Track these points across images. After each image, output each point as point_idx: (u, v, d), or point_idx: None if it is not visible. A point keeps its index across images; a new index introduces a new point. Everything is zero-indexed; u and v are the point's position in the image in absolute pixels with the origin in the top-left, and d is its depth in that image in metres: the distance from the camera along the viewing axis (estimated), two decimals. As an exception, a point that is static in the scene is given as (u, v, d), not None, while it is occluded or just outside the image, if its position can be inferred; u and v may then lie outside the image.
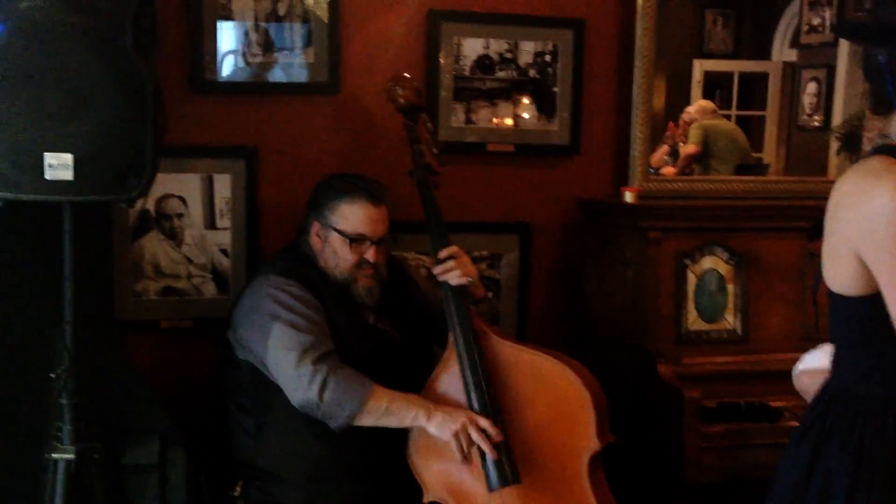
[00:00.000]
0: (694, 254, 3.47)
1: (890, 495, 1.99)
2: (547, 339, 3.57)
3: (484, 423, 2.79)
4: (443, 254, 2.99)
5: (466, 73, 3.58)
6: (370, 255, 2.98)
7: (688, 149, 4.20)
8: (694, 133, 4.20)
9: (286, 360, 2.80)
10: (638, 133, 3.67)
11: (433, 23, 3.52)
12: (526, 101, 3.66)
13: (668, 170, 4.17)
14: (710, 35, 4.34)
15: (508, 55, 3.62)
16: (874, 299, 1.95)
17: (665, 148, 4.14)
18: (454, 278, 2.96)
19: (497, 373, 2.90)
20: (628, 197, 3.54)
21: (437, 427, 2.80)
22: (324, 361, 2.79)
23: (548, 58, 3.65)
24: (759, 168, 4.36)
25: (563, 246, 3.77)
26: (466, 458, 2.81)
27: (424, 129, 3.16)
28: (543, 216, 3.73)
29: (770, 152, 4.36)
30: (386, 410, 2.80)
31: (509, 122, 3.66)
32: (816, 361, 2.44)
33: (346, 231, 2.97)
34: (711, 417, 3.24)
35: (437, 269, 2.99)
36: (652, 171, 3.85)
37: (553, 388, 2.90)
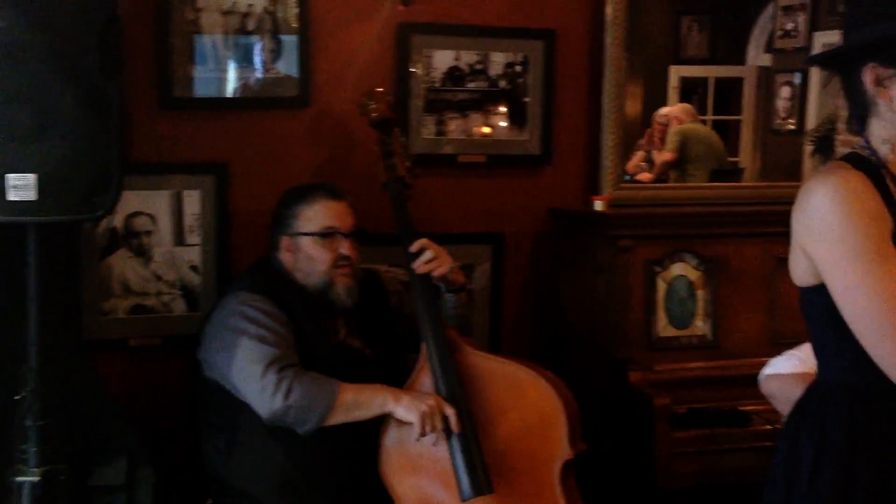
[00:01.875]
0: (663, 260, 3.49)
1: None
2: (520, 349, 3.59)
3: (450, 410, 2.80)
4: (413, 247, 2.99)
5: (437, 85, 3.58)
6: (345, 248, 2.99)
7: (664, 156, 4.21)
8: (671, 139, 4.21)
9: (252, 373, 2.78)
10: (609, 141, 3.67)
11: (404, 35, 3.52)
12: (497, 111, 3.66)
13: (645, 175, 4.18)
14: (686, 41, 4.36)
15: (479, 66, 3.62)
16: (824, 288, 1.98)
17: (641, 154, 4.16)
18: (436, 270, 2.97)
19: (470, 383, 2.90)
20: (598, 205, 3.55)
21: (405, 409, 2.80)
22: (288, 370, 2.78)
23: (518, 68, 3.65)
24: (735, 173, 4.38)
25: (536, 255, 3.77)
26: (429, 440, 2.80)
27: (397, 143, 3.17)
28: (516, 226, 3.73)
29: (746, 156, 4.39)
30: (354, 403, 2.79)
31: (481, 132, 3.65)
32: (784, 366, 2.46)
33: (314, 231, 2.98)
34: (682, 423, 3.25)
35: (415, 264, 2.98)
36: (628, 177, 3.86)
37: (525, 397, 2.91)
